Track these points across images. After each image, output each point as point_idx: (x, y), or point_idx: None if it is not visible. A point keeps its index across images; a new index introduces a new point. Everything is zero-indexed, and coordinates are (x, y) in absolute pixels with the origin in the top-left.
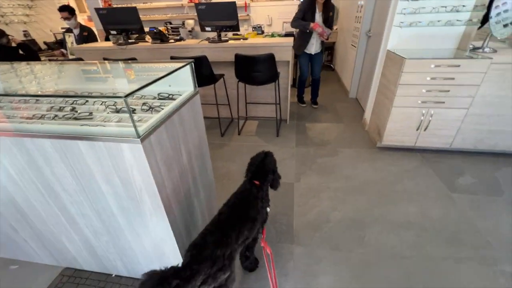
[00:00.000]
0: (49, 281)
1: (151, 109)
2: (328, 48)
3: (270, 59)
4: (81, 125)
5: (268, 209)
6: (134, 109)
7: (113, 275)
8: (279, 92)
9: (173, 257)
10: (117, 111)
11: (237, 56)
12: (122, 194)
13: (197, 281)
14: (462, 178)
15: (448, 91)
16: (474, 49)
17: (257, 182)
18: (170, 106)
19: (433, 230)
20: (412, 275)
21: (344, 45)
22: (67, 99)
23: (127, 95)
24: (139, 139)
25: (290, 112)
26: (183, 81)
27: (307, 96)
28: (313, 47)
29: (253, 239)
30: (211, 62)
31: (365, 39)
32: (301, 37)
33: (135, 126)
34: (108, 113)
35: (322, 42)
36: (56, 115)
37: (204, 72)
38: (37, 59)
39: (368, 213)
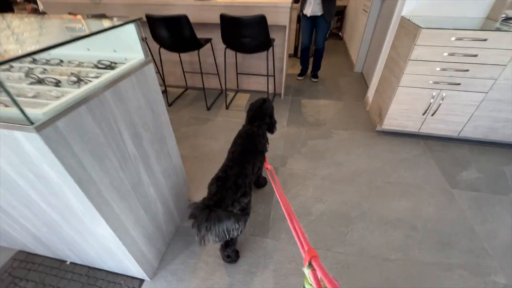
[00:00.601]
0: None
1: (79, 82)
2: (338, 13)
3: (260, 22)
4: None
5: (268, 147)
6: (59, 81)
7: (68, 262)
8: (274, 63)
9: (122, 254)
10: (39, 81)
11: (222, 17)
12: (42, 189)
13: (227, 204)
14: (466, 172)
15: (467, 70)
16: (507, 19)
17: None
18: (100, 78)
19: (424, 230)
20: (392, 280)
21: (355, 9)
22: None
23: None
24: (32, 127)
25: (285, 85)
26: (135, 46)
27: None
28: (310, 7)
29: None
30: (197, 23)
31: (379, 2)
32: None
33: (21, 109)
34: (28, 83)
35: (327, 4)
36: None
37: (184, 35)
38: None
39: (355, 207)
